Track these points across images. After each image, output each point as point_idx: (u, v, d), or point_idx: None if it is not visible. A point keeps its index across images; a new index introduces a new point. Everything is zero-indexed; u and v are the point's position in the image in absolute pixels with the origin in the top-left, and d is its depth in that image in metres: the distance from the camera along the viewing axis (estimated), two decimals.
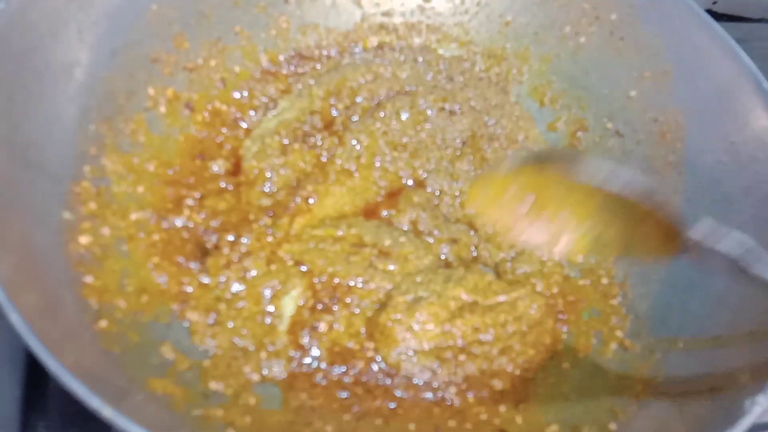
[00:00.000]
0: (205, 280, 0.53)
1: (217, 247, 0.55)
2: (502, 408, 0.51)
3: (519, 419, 0.51)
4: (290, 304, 0.54)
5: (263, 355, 0.51)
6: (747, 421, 0.40)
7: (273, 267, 0.55)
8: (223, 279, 0.53)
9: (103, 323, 0.44)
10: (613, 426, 0.48)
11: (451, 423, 0.50)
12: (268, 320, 0.53)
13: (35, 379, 0.50)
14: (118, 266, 0.49)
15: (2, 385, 0.49)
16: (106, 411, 0.34)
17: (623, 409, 0.49)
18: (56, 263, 0.44)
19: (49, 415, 0.50)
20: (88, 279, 0.46)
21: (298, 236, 0.58)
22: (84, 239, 0.47)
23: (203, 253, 0.55)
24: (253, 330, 0.52)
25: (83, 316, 0.43)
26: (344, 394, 0.51)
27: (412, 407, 0.51)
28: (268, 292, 0.54)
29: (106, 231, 0.50)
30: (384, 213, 0.62)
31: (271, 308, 0.53)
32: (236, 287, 0.53)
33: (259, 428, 0.45)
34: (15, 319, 0.35)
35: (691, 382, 0.48)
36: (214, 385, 0.47)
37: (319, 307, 0.54)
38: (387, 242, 0.58)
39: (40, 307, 0.38)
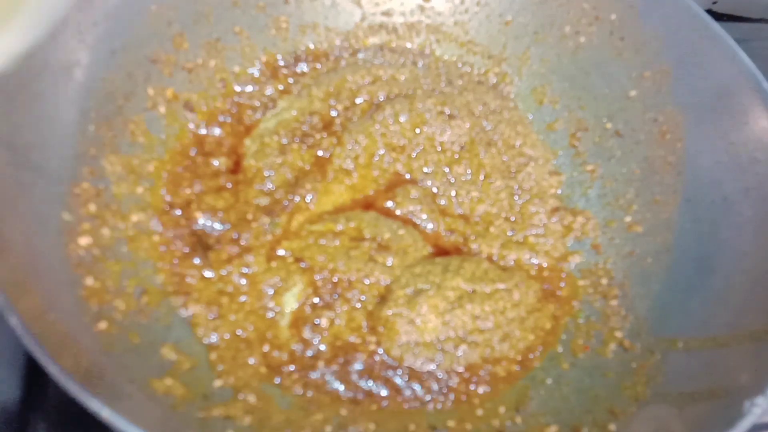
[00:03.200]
0: (208, 273, 0.54)
1: (218, 241, 0.56)
2: (502, 408, 0.51)
3: (518, 419, 0.51)
4: (291, 300, 0.55)
5: (266, 347, 0.52)
6: (746, 422, 0.40)
7: (273, 264, 0.56)
8: (224, 273, 0.54)
9: (102, 325, 0.44)
10: (612, 426, 0.48)
11: (450, 423, 0.50)
12: (270, 315, 0.53)
13: (35, 379, 0.50)
14: (117, 267, 0.49)
15: (2, 385, 0.49)
16: (106, 412, 0.34)
17: (623, 409, 0.49)
18: (56, 265, 0.44)
19: (49, 415, 0.50)
20: (88, 280, 0.46)
21: (297, 233, 0.58)
22: (84, 240, 0.47)
23: (204, 248, 0.55)
24: (256, 324, 0.53)
25: (83, 317, 0.43)
26: (344, 387, 0.51)
27: (411, 399, 0.52)
28: (269, 290, 0.54)
29: (105, 232, 0.50)
30: (382, 204, 0.62)
31: (272, 304, 0.54)
32: (238, 281, 0.54)
33: (260, 427, 0.45)
34: (14, 321, 0.35)
35: (691, 382, 0.48)
36: (218, 383, 0.47)
37: (320, 303, 0.55)
38: (386, 235, 0.58)
39: (40, 309, 0.38)
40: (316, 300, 0.55)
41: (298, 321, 0.54)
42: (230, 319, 0.52)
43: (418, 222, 0.61)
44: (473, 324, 0.54)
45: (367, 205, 0.62)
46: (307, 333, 0.53)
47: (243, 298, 0.53)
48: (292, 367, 0.51)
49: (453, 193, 0.64)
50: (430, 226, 0.61)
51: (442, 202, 0.64)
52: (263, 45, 0.68)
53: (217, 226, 0.57)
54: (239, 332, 0.52)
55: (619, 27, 0.66)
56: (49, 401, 0.50)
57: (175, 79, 0.61)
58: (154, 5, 0.58)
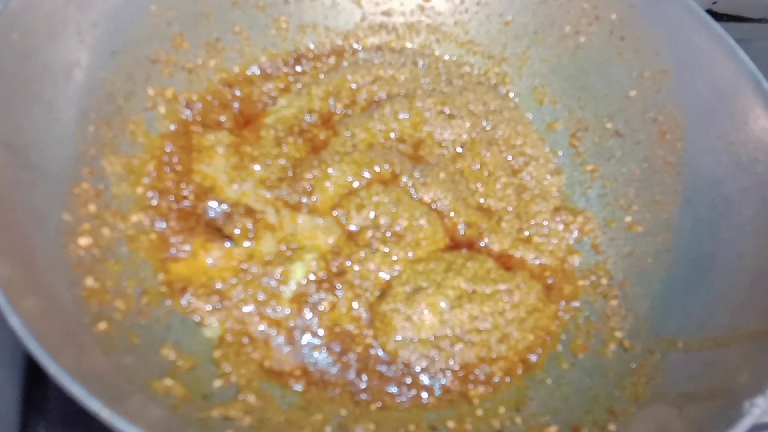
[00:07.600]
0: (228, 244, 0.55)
1: (229, 220, 0.56)
2: (502, 409, 0.51)
3: (518, 420, 0.51)
4: (300, 270, 0.55)
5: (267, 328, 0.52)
6: (746, 422, 0.40)
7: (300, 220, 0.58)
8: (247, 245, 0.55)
9: (102, 325, 0.44)
10: (612, 426, 0.48)
11: (450, 423, 0.50)
12: (273, 284, 0.54)
13: (35, 379, 0.50)
14: (117, 268, 0.49)
15: (2, 385, 0.49)
16: (105, 413, 0.34)
17: (623, 409, 0.49)
18: (56, 265, 0.44)
19: (49, 415, 0.50)
20: (88, 281, 0.46)
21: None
22: (83, 241, 0.47)
23: (216, 228, 0.56)
24: (265, 291, 0.53)
25: (83, 318, 0.43)
26: (341, 379, 0.52)
27: (407, 395, 0.52)
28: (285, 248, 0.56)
29: (105, 232, 0.50)
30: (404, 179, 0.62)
31: (279, 270, 0.54)
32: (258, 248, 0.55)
33: (260, 427, 0.45)
34: (14, 321, 0.35)
35: (691, 383, 0.48)
36: (218, 383, 0.47)
37: (325, 285, 0.55)
38: (404, 222, 0.58)
39: (40, 310, 0.38)
40: (321, 278, 0.55)
41: (301, 297, 0.54)
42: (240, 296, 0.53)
43: (440, 209, 0.61)
44: (471, 324, 0.54)
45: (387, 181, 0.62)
46: (307, 313, 0.53)
47: (255, 269, 0.54)
48: (290, 362, 0.51)
49: (467, 186, 0.64)
50: (450, 214, 0.61)
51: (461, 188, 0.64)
52: (263, 45, 0.68)
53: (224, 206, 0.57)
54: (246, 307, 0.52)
55: (619, 27, 0.66)
56: (49, 401, 0.50)
57: (175, 79, 0.61)
58: (154, 5, 0.58)
